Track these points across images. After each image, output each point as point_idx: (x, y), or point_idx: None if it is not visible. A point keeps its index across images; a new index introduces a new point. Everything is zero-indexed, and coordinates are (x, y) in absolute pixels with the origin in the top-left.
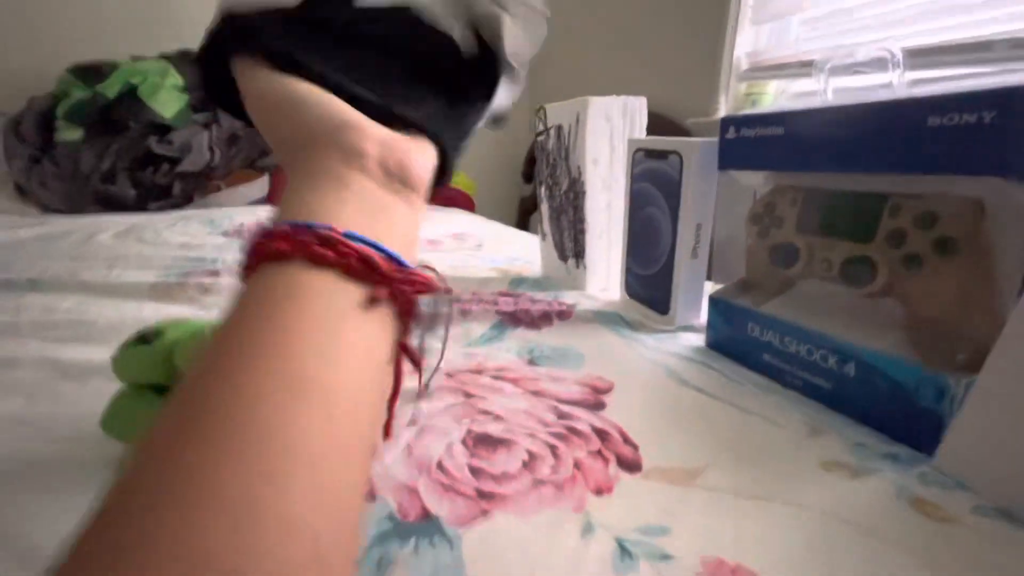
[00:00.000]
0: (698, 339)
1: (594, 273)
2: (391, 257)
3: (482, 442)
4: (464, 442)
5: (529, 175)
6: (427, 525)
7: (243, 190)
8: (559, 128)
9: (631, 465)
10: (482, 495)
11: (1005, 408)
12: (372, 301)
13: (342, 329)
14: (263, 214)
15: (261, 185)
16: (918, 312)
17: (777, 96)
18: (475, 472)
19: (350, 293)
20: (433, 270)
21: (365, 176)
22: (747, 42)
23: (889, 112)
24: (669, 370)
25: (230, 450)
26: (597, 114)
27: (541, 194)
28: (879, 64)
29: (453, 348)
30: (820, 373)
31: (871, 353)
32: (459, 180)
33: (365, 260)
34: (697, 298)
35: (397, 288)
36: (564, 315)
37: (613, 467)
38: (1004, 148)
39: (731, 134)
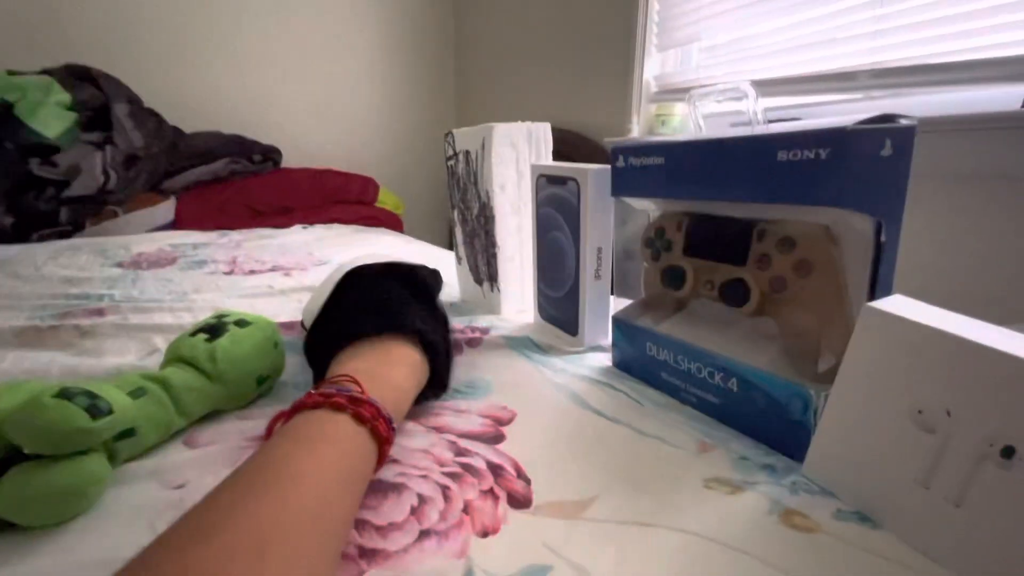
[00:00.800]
0: (605, 359)
1: (508, 296)
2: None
3: (372, 490)
4: None
5: None
6: None
7: (145, 215)
8: (467, 153)
9: (521, 502)
10: (363, 553)
11: (855, 416)
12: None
13: (343, 454)
14: (164, 242)
15: (166, 210)
16: (786, 329)
17: (684, 118)
18: (359, 525)
19: (360, 435)
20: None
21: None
22: (655, 66)
23: (746, 146)
24: (573, 395)
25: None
26: (502, 141)
27: (455, 218)
28: (735, 95)
29: None
30: (710, 389)
31: (749, 369)
32: (385, 199)
33: (374, 415)
34: (603, 319)
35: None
36: (474, 343)
37: (503, 505)
38: (838, 181)
39: (620, 163)
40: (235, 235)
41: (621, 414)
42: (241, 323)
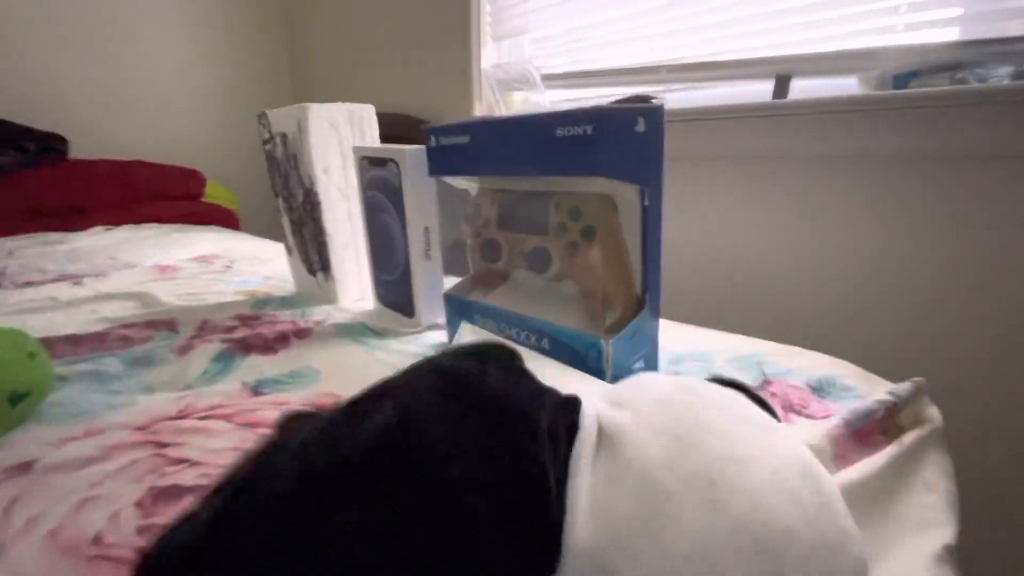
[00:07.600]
0: (443, 336)
1: (345, 284)
2: None
3: (164, 496)
4: (139, 504)
5: None
6: None
7: None
8: (283, 136)
9: None
10: None
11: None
12: None
13: None
14: None
15: None
16: (582, 289)
17: (524, 105)
18: (144, 532)
19: None
20: None
21: None
22: (491, 55)
23: (532, 124)
24: None
25: None
26: (320, 122)
27: (279, 206)
28: (535, 82)
29: (159, 396)
30: (529, 350)
31: (556, 329)
32: (216, 193)
33: None
34: (437, 297)
35: None
36: (303, 333)
37: None
38: (602, 154)
39: (433, 143)
40: (7, 242)
41: None
42: None
